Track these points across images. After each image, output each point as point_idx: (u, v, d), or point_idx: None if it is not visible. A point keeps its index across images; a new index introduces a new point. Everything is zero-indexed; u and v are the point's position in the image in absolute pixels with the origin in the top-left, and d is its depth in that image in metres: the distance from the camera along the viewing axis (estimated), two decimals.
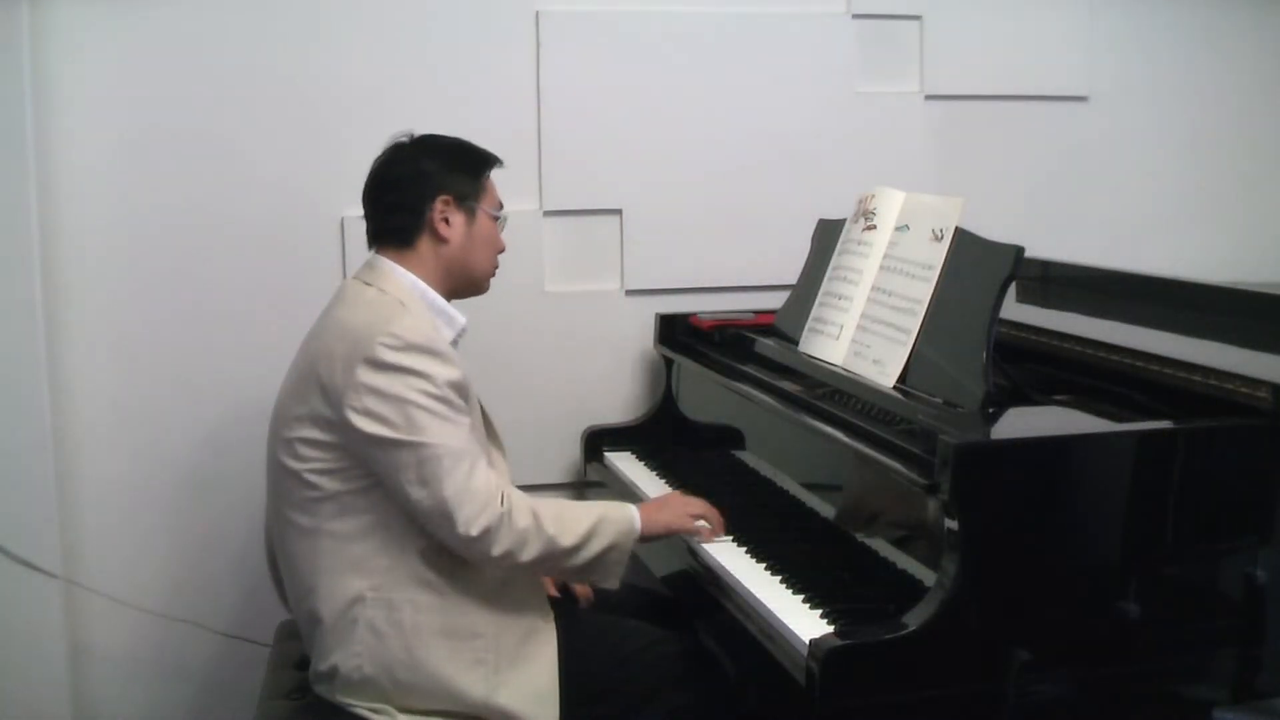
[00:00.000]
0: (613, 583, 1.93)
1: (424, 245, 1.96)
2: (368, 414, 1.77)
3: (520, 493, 1.86)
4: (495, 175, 2.06)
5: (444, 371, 1.80)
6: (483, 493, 1.78)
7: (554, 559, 1.84)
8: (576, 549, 1.85)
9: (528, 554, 1.81)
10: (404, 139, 2.03)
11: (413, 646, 1.83)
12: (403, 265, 1.95)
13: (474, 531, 1.77)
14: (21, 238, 2.45)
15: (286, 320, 2.50)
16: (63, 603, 2.56)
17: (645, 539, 1.96)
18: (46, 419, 2.51)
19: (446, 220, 1.96)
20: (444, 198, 1.96)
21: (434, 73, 2.66)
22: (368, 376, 1.78)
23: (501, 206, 2.06)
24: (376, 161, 2.02)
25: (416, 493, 1.77)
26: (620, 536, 1.90)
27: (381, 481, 1.81)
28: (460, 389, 1.83)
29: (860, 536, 1.90)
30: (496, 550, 1.78)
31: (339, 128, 2.61)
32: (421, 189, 1.96)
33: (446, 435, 1.78)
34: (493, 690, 1.84)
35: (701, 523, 2.05)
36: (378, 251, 1.99)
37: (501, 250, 2.07)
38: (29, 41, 2.44)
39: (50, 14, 2.47)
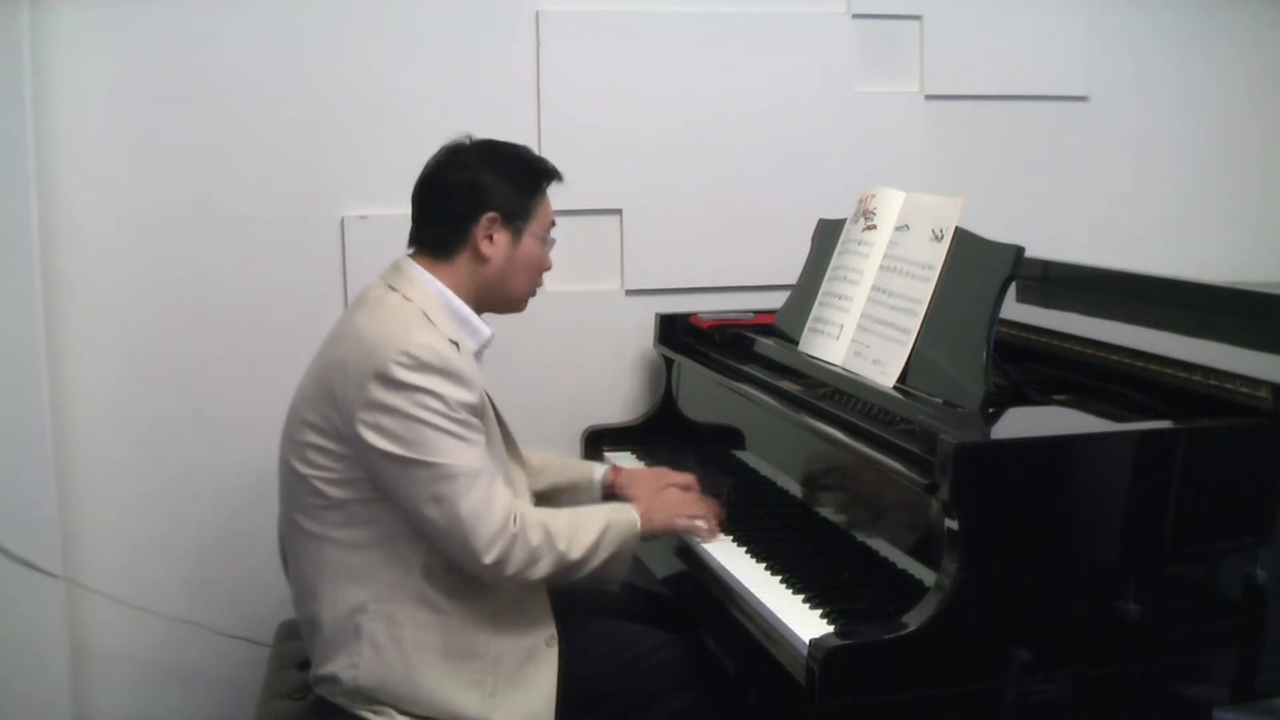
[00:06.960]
0: (614, 585, 1.94)
1: (462, 261, 1.91)
2: (378, 430, 1.74)
3: (530, 508, 1.86)
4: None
5: (457, 393, 1.76)
6: (498, 513, 1.77)
7: (563, 572, 1.85)
8: (585, 560, 1.86)
9: (539, 570, 1.81)
10: (464, 141, 1.97)
11: (411, 663, 1.81)
12: (434, 273, 1.91)
13: (489, 553, 1.75)
14: (21, 238, 2.45)
15: (286, 320, 2.53)
16: (63, 603, 2.56)
17: (645, 539, 1.97)
18: (46, 419, 2.50)
19: (490, 239, 1.91)
20: (491, 215, 1.90)
21: (434, 73, 2.66)
22: (379, 393, 1.74)
23: (554, 224, 2.02)
24: (431, 161, 1.96)
25: (431, 511, 1.75)
26: (624, 543, 1.91)
27: (392, 496, 1.79)
28: (474, 410, 1.80)
29: (860, 536, 1.90)
30: (510, 570, 1.78)
31: (339, 128, 2.62)
32: (470, 202, 1.90)
33: (461, 454, 1.76)
34: (488, 712, 1.83)
35: (699, 523, 2.05)
36: (412, 255, 1.94)
37: (547, 269, 2.03)
38: (29, 41, 2.44)
39: (50, 14, 2.46)
